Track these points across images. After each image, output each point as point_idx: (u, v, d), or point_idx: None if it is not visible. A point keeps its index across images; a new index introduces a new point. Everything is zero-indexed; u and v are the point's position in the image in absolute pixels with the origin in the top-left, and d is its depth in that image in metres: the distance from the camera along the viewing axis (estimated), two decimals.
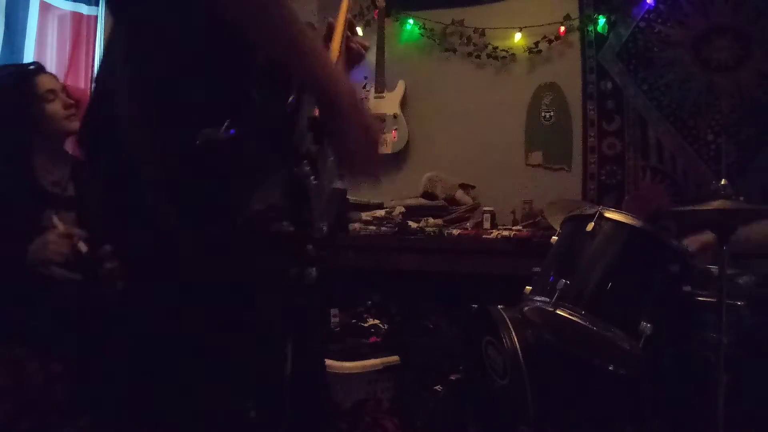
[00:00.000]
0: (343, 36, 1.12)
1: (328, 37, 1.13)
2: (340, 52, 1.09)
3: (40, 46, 2.83)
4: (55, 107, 1.88)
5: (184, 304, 0.84)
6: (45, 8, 2.84)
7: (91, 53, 3.09)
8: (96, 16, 3.12)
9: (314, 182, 0.87)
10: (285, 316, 0.86)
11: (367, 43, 1.21)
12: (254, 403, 0.85)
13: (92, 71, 3.11)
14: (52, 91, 1.89)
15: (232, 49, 0.83)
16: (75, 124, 1.92)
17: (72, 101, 1.92)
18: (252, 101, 0.83)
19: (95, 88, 0.92)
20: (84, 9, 3.06)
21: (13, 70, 1.96)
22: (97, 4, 3.12)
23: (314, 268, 0.86)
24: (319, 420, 1.09)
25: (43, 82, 1.88)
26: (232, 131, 0.77)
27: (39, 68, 1.95)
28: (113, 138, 0.82)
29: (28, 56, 2.76)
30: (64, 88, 1.97)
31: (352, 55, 1.18)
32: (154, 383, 0.87)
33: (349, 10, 1.16)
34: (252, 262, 0.82)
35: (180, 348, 0.86)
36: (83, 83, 3.04)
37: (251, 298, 0.84)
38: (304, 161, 0.87)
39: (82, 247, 1.72)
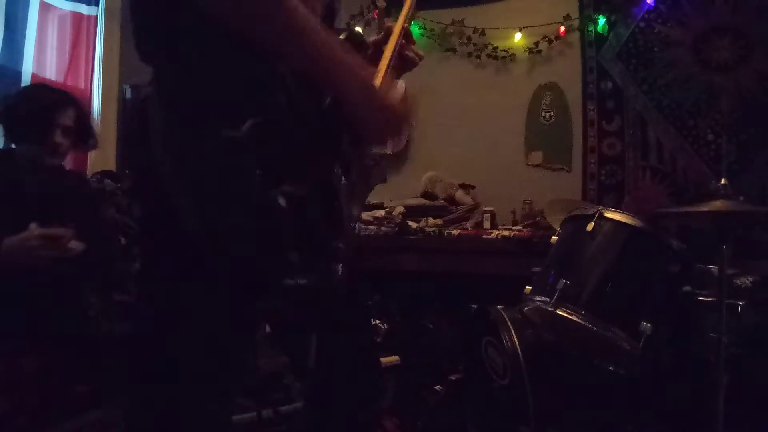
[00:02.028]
0: (397, 42, 1.15)
1: (384, 41, 1.16)
2: (391, 56, 1.12)
3: (40, 46, 2.82)
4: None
5: (206, 304, 0.86)
6: (45, 8, 2.84)
7: (91, 53, 3.09)
8: (96, 16, 3.11)
9: (344, 182, 0.89)
10: (310, 311, 0.87)
11: (421, 53, 1.24)
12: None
13: (92, 71, 3.10)
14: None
15: (257, 58, 0.85)
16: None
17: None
18: (278, 100, 0.86)
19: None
20: (84, 9, 3.05)
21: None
22: (97, 4, 3.11)
23: (341, 265, 0.88)
24: (353, 412, 1.12)
25: None
26: (254, 129, 0.79)
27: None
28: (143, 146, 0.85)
29: (28, 56, 2.75)
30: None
31: (406, 62, 1.21)
32: (180, 378, 0.89)
33: (408, 19, 1.19)
34: (277, 258, 0.84)
35: (204, 347, 0.88)
36: (83, 83, 3.04)
37: (277, 292, 0.86)
38: (337, 162, 0.91)
39: (76, 245, 1.68)
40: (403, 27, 1.17)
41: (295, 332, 0.97)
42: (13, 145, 1.92)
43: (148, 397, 0.89)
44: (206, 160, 0.81)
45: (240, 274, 0.84)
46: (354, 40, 1.14)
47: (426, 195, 3.24)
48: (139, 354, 0.92)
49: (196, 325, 0.87)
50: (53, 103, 1.88)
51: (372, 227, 3.03)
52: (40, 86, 2.03)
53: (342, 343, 0.95)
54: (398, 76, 1.19)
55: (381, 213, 3.10)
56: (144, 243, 0.94)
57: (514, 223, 3.04)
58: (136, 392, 0.91)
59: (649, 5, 3.02)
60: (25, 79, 2.73)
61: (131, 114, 0.94)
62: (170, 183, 0.82)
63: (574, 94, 3.22)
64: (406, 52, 1.20)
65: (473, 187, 3.29)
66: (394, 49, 1.13)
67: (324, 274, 0.88)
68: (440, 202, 3.20)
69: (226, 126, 0.80)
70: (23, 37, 2.74)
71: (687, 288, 1.85)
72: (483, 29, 3.37)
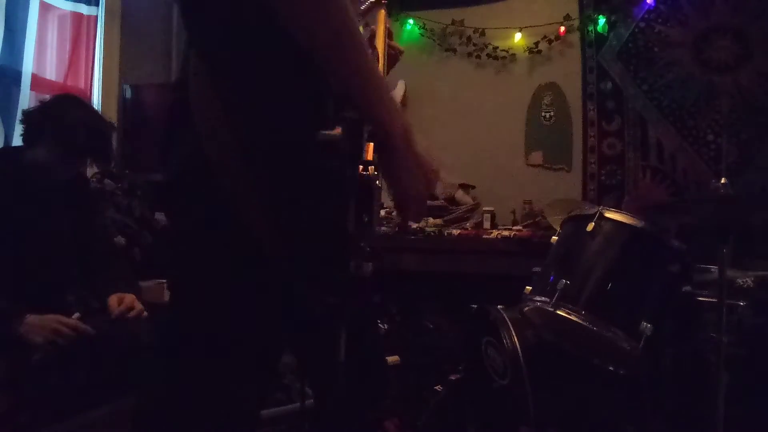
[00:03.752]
0: (384, 42, 1.23)
1: (371, 42, 1.24)
2: (382, 56, 1.20)
3: (40, 46, 2.82)
4: None
5: (259, 291, 0.88)
6: (45, 8, 2.84)
7: (91, 53, 3.08)
8: (96, 16, 3.11)
9: (378, 184, 0.92)
10: (343, 305, 0.89)
11: (401, 48, 1.35)
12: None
13: (92, 71, 3.10)
14: None
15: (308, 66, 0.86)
16: None
17: None
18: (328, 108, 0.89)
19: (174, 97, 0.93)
20: (84, 9, 3.04)
21: None
22: (97, 4, 3.11)
23: (370, 263, 0.92)
24: (370, 401, 1.15)
25: None
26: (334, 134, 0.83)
27: None
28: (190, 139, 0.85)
29: (28, 56, 2.75)
30: None
31: (392, 59, 1.31)
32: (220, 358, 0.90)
33: (387, 21, 1.29)
34: (322, 254, 0.87)
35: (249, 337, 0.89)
36: (83, 83, 3.04)
37: (317, 287, 0.89)
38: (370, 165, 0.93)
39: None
40: (386, 27, 1.26)
41: (317, 329, 0.98)
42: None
43: (179, 393, 0.89)
44: (288, 155, 0.84)
45: (305, 266, 0.86)
46: None
47: None
48: (173, 353, 0.92)
49: (242, 322, 0.88)
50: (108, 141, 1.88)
51: None
52: (92, 112, 1.96)
53: (356, 340, 0.97)
54: (388, 72, 1.27)
55: (381, 213, 3.10)
56: (183, 235, 0.95)
57: (514, 223, 3.04)
58: (162, 388, 0.92)
59: (649, 5, 3.03)
60: (25, 80, 2.72)
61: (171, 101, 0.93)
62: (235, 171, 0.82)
63: (574, 94, 3.23)
64: (390, 51, 1.28)
65: (473, 187, 3.29)
66: (384, 52, 1.20)
67: (358, 269, 0.91)
68: (440, 202, 3.20)
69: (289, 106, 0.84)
70: (23, 37, 2.73)
71: (687, 288, 1.85)
72: (483, 29, 3.37)
